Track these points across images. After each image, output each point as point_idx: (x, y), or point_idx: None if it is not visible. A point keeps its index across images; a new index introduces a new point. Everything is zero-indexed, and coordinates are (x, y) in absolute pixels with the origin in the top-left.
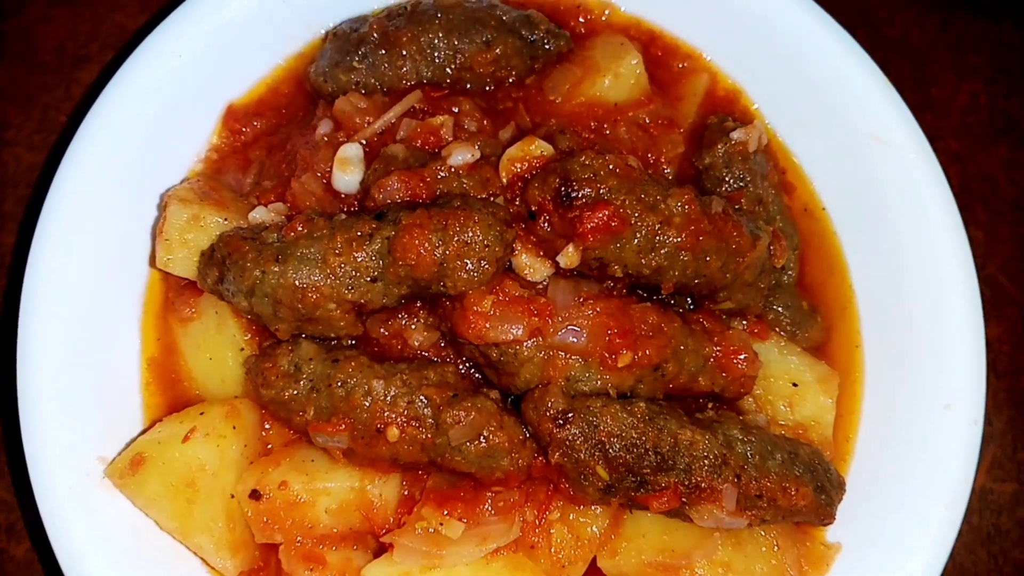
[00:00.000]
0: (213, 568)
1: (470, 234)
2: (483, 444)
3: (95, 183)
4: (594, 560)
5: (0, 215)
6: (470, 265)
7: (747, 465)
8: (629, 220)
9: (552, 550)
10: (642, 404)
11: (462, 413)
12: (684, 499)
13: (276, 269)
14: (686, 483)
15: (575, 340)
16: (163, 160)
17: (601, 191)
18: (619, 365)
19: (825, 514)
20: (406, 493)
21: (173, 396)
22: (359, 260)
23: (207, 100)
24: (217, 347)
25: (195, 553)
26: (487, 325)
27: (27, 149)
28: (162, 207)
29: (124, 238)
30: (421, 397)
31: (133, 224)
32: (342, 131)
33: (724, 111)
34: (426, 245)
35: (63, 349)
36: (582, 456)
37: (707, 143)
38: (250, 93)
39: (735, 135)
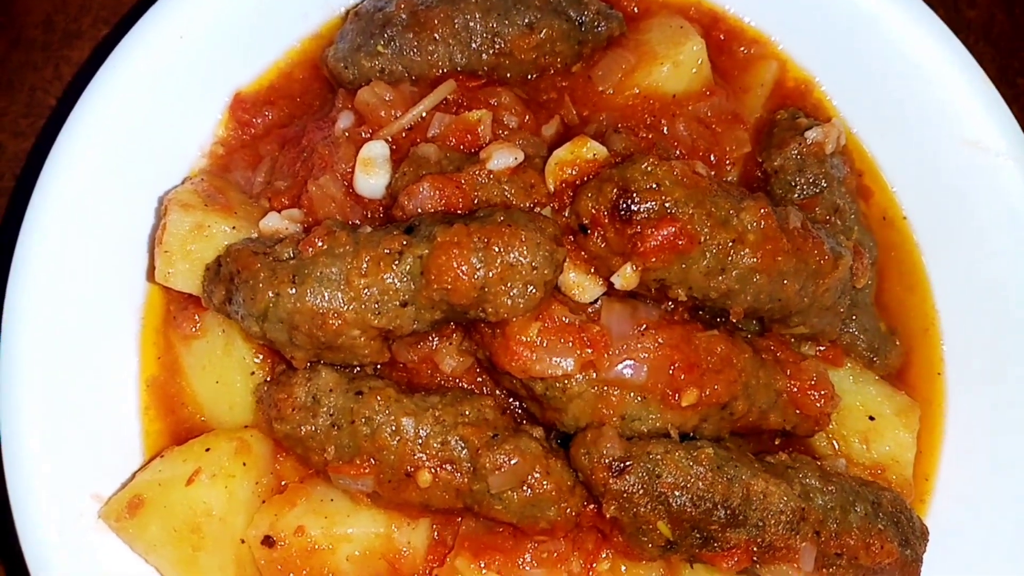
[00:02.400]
0: None
1: (516, 255)
2: (527, 493)
3: (86, 181)
4: None
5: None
6: (515, 290)
7: (827, 520)
8: (698, 238)
9: None
10: (709, 450)
11: (503, 457)
12: (755, 559)
13: (292, 291)
14: (759, 541)
15: (633, 375)
16: (163, 154)
17: (666, 204)
18: (683, 404)
19: (910, 571)
20: (436, 536)
21: (175, 422)
22: (387, 282)
23: (212, 86)
24: (225, 370)
25: None
26: (533, 357)
27: (12, 136)
28: (161, 213)
29: (119, 244)
30: (456, 438)
31: (129, 229)
32: (365, 125)
33: (795, 105)
34: (465, 267)
35: (51, 369)
36: (641, 510)
37: (777, 142)
38: (260, 79)
39: (810, 134)
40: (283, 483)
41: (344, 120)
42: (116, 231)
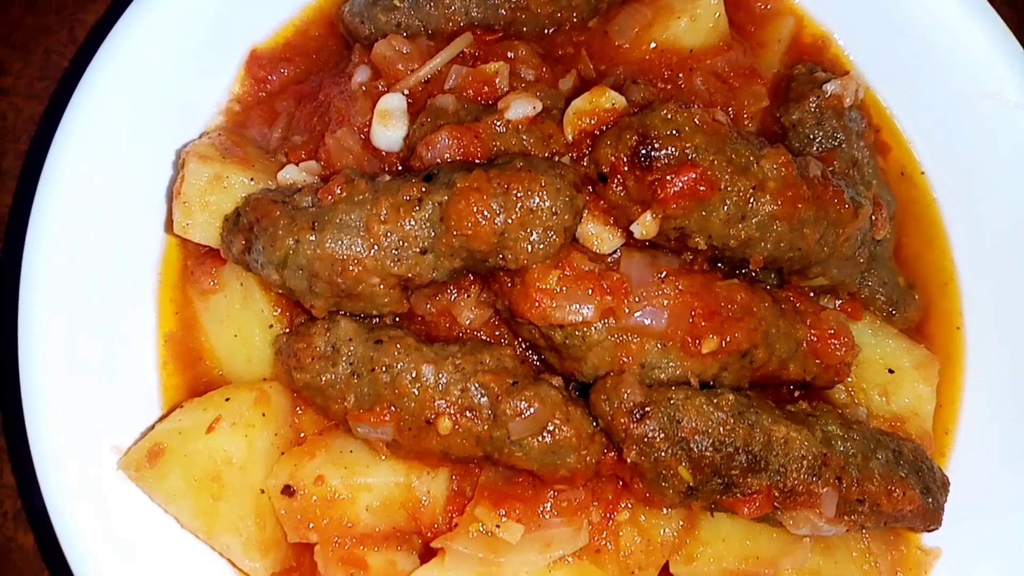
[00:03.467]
0: (241, 570)
1: (536, 200)
2: (547, 439)
3: (102, 138)
4: (666, 566)
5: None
6: (535, 236)
7: (848, 466)
8: (718, 184)
9: (621, 554)
10: (730, 396)
11: (523, 404)
12: (777, 504)
13: (312, 238)
14: (780, 486)
15: (653, 323)
16: (179, 112)
17: (686, 150)
18: (704, 351)
19: (932, 519)
20: (456, 487)
21: (193, 376)
22: (407, 229)
23: (228, 44)
24: (243, 323)
25: (221, 554)
26: (552, 304)
27: (27, 99)
28: (179, 165)
29: (136, 200)
30: (477, 385)
31: (147, 184)
32: (382, 79)
33: (812, 60)
34: (485, 212)
35: (69, 325)
36: (662, 455)
37: (795, 96)
38: (276, 36)
39: (829, 87)
40: (302, 435)
41: (361, 74)
42: (133, 188)
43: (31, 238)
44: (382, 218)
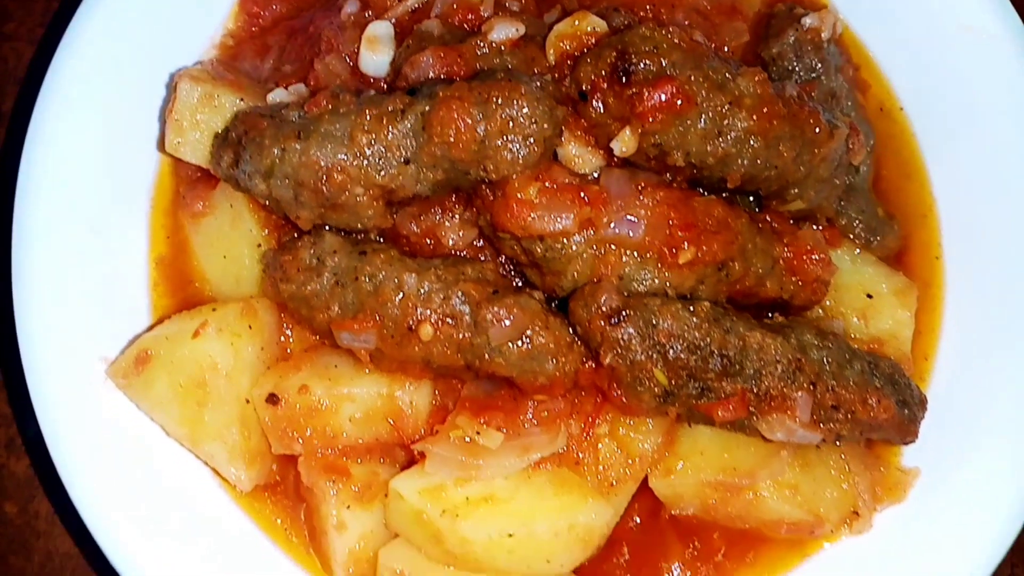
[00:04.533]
0: (225, 480)
1: (515, 108)
2: (526, 345)
3: (97, 68)
4: (645, 481)
5: (1, 116)
6: (515, 144)
7: (823, 373)
8: (695, 99)
9: (599, 467)
10: (706, 304)
11: (503, 311)
12: (752, 408)
13: (297, 147)
14: (755, 390)
15: (631, 233)
16: (174, 46)
17: (664, 65)
18: (680, 261)
19: (908, 431)
20: (438, 403)
21: (183, 298)
22: (390, 139)
23: None
24: (232, 244)
25: (206, 463)
26: (532, 215)
27: (28, 44)
28: (172, 88)
29: (130, 127)
30: (458, 293)
31: (141, 112)
32: (371, 10)
33: (791, 0)
34: (466, 119)
35: (62, 245)
36: (638, 357)
37: (775, 31)
38: None
39: (807, 20)
40: (288, 351)
41: (350, 6)
42: (128, 118)
43: (26, 160)
44: (366, 128)
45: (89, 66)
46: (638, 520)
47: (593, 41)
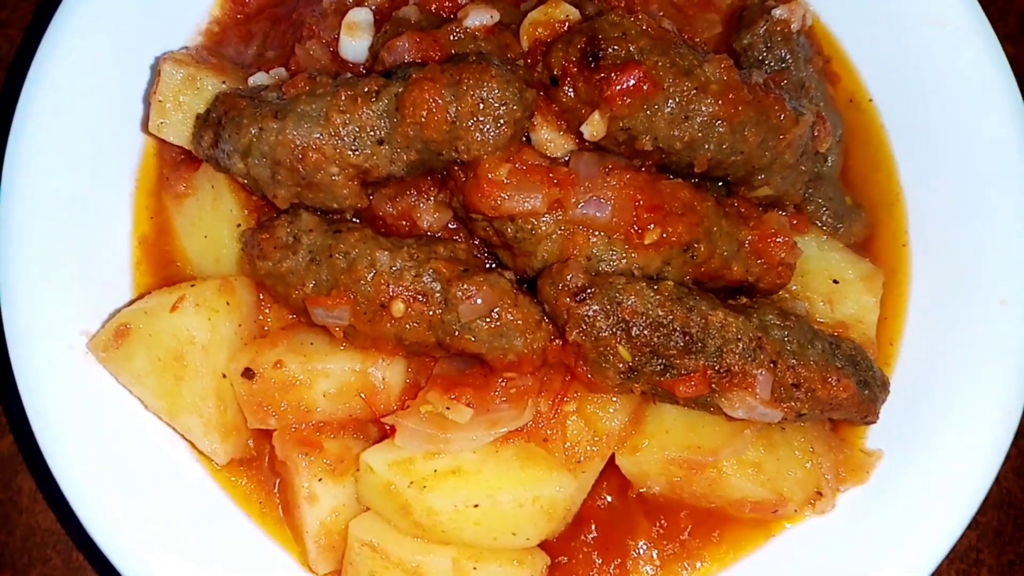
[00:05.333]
0: (202, 454)
1: (486, 90)
2: (495, 322)
3: (85, 54)
4: (614, 463)
5: None
6: (485, 125)
7: (784, 352)
8: (662, 84)
9: (567, 444)
10: (670, 283)
11: (473, 288)
12: (714, 384)
13: (275, 126)
14: (716, 367)
15: (598, 213)
16: (160, 32)
17: (632, 51)
18: (646, 242)
19: (868, 410)
20: (411, 381)
21: (165, 277)
22: (364, 119)
23: None
24: (213, 224)
25: (183, 436)
26: (503, 195)
27: (21, 31)
28: (156, 70)
29: (116, 111)
30: (430, 270)
31: (127, 97)
32: None
33: None
34: (438, 100)
35: (48, 223)
36: (602, 334)
37: (747, 22)
38: None
39: (777, 12)
40: (266, 329)
41: None
42: (114, 103)
43: (13, 139)
44: (341, 108)
45: (76, 52)
46: (608, 499)
47: (566, 28)
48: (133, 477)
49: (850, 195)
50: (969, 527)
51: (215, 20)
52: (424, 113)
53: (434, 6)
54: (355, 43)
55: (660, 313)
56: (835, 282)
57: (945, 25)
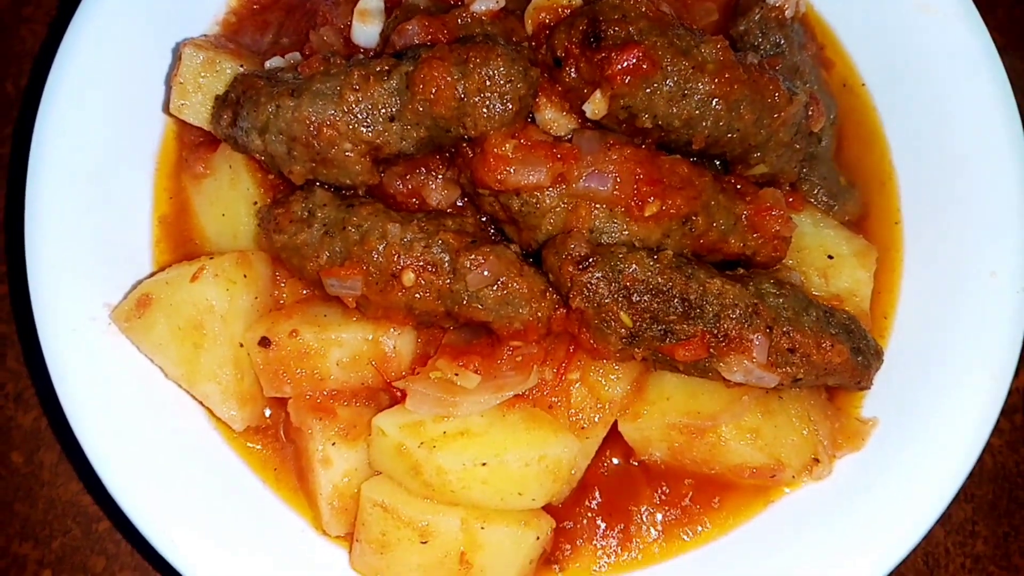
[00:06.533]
0: (219, 420)
1: (492, 68)
2: (502, 291)
3: (108, 41)
4: (615, 429)
5: (17, 90)
6: (492, 102)
7: (780, 318)
8: (660, 63)
9: (571, 411)
10: (669, 252)
11: (480, 258)
12: (712, 349)
13: (291, 103)
14: (714, 332)
15: (600, 187)
16: (179, 21)
17: (631, 31)
18: (646, 214)
19: (862, 376)
20: (420, 350)
21: (184, 255)
22: (376, 96)
23: None
24: (231, 202)
25: (201, 403)
26: (508, 169)
27: (46, 27)
28: (177, 56)
29: (138, 96)
30: (439, 241)
31: (148, 83)
32: None
33: None
34: (446, 78)
35: (72, 204)
36: (604, 300)
37: (742, 10)
38: None
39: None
40: (281, 302)
41: None
42: (136, 88)
43: (40, 121)
44: (354, 86)
45: (99, 42)
46: (614, 461)
47: (568, 13)
48: (153, 444)
49: (844, 175)
50: (965, 500)
51: (232, 11)
52: (433, 90)
53: None
54: (367, 29)
55: (660, 280)
56: (830, 257)
57: (935, 12)
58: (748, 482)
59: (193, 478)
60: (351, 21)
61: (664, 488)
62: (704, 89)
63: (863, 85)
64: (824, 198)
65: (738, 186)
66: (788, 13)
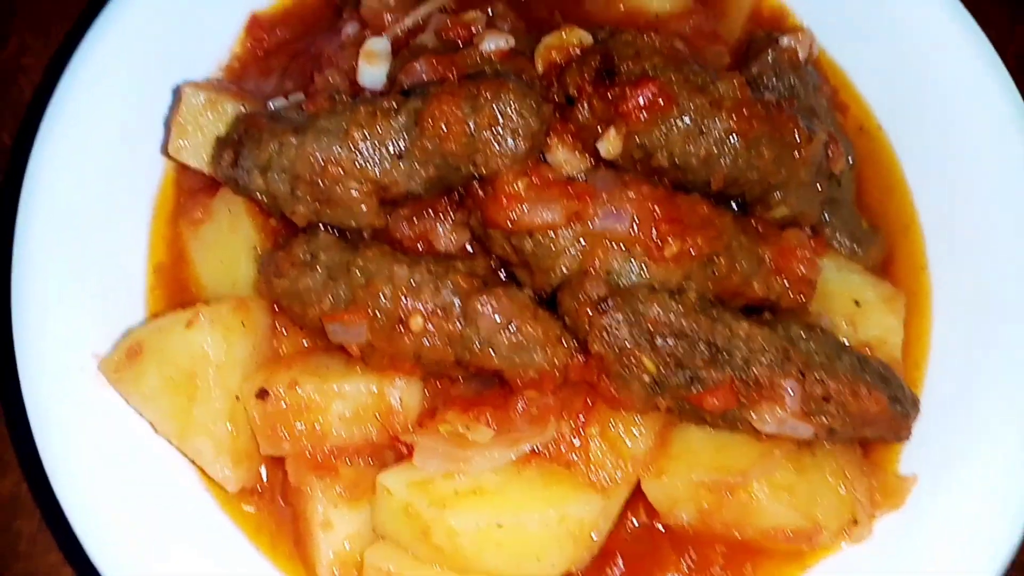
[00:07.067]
0: (212, 482)
1: (503, 103)
2: (515, 336)
3: (108, 83)
4: (642, 492)
5: (13, 141)
6: (503, 138)
7: (812, 363)
8: (676, 99)
9: (591, 468)
10: (692, 295)
11: (492, 300)
12: (742, 398)
13: (294, 140)
14: (743, 378)
15: (618, 225)
16: (181, 65)
17: (646, 67)
18: (666, 254)
19: (901, 426)
20: (428, 404)
21: (179, 304)
22: (383, 133)
23: (231, 8)
24: (229, 247)
25: (193, 461)
26: (521, 207)
27: (41, 74)
28: (177, 98)
29: (136, 140)
30: (448, 284)
31: (147, 128)
32: (369, 30)
33: (769, 28)
34: (457, 113)
35: (64, 247)
36: (626, 344)
37: (754, 52)
38: (275, 4)
39: (784, 40)
40: (280, 353)
41: (350, 28)
42: (135, 133)
43: (32, 163)
44: (360, 123)
45: (98, 85)
46: (636, 523)
47: (579, 51)
48: (142, 509)
49: (866, 219)
50: (1012, 567)
51: (235, 56)
52: (443, 126)
53: (451, 33)
54: (373, 70)
55: (684, 323)
56: (857, 304)
57: (948, 51)
58: (783, 547)
59: (184, 547)
60: (357, 63)
61: (692, 554)
62: (722, 126)
63: (879, 127)
64: (847, 242)
65: (759, 228)
66: (802, 55)
